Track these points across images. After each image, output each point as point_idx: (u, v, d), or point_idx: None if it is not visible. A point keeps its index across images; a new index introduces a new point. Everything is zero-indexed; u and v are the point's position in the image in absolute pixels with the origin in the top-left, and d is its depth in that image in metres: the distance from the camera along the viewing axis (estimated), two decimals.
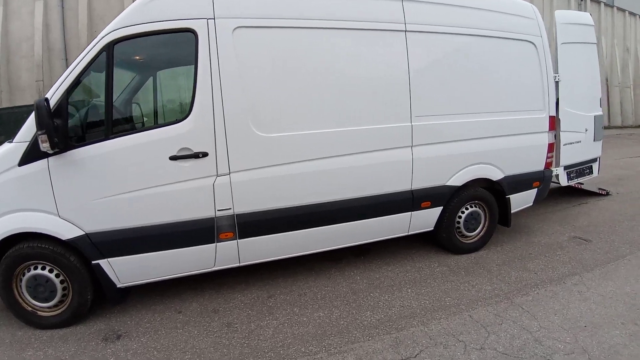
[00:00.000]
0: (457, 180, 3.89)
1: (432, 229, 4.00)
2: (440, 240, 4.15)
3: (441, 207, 3.90)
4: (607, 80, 14.17)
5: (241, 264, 3.41)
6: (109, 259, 3.02)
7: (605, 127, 13.72)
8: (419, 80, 3.60)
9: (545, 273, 3.74)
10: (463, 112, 3.82)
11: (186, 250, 3.15)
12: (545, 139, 4.34)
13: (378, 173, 3.55)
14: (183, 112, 3.07)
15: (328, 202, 3.45)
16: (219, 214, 3.17)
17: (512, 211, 4.32)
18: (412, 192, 3.72)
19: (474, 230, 4.18)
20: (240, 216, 3.22)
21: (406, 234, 3.88)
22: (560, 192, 6.22)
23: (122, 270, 3.09)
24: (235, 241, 3.26)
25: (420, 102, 3.63)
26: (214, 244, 3.21)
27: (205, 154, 3.04)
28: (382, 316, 3.17)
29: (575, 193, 6.14)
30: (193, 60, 3.00)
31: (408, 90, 3.56)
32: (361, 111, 3.45)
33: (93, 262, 2.99)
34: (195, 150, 3.03)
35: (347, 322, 3.12)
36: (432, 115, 3.68)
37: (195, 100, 3.01)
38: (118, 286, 3.14)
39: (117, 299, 3.29)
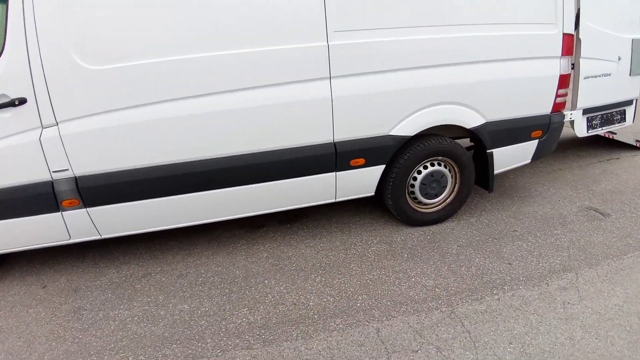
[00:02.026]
0: (407, 128, 2.53)
1: (373, 194, 2.75)
2: (388, 208, 2.91)
3: (383, 166, 2.61)
4: None
5: (104, 237, 2.48)
6: None
7: None
8: None
9: (524, 265, 2.43)
10: (417, 23, 2.35)
11: (30, 219, 2.29)
12: (556, 67, 2.75)
13: (278, 118, 2.29)
14: None
15: (206, 160, 2.30)
16: (55, 176, 2.21)
17: (495, 171, 2.93)
18: (334, 145, 2.44)
19: (436, 197, 2.86)
20: (82, 179, 2.22)
21: (334, 200, 2.69)
22: (586, 142, 4.52)
23: None
24: (84, 210, 2.30)
25: (342, 8, 2.22)
26: (58, 213, 2.29)
27: (22, 101, 2.04)
28: (259, 318, 2.12)
29: (605, 145, 4.42)
30: None
31: None
32: (242, 26, 2.13)
33: None
34: (12, 96, 2.03)
35: (209, 322, 2.11)
36: (362, 30, 2.27)
37: (8, 34, 1.99)
38: None
39: None
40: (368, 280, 2.35)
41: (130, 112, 2.15)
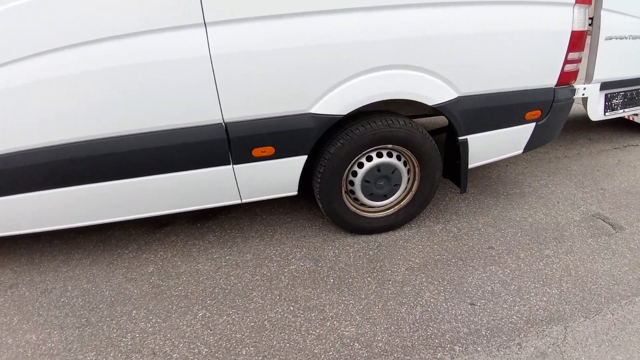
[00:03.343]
0: (336, 104, 1.68)
1: (296, 193, 1.96)
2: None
3: (304, 157, 1.79)
4: None
5: None
6: None
7: None
8: None
9: (492, 307, 1.65)
10: None
11: None
12: (567, 19, 1.80)
13: (131, 88, 1.48)
14: None
15: (43, 150, 1.54)
16: None
17: (473, 164, 2.09)
18: (224, 127, 1.63)
19: (386, 198, 2.05)
20: None
21: (239, 201, 1.91)
22: (601, 124, 3.56)
23: None
24: None
25: None
26: None
27: None
28: None
29: (623, 126, 3.45)
30: None
31: None
32: None
33: None
34: None
35: None
36: None
37: None
38: None
39: None
40: (266, 322, 1.62)
41: None
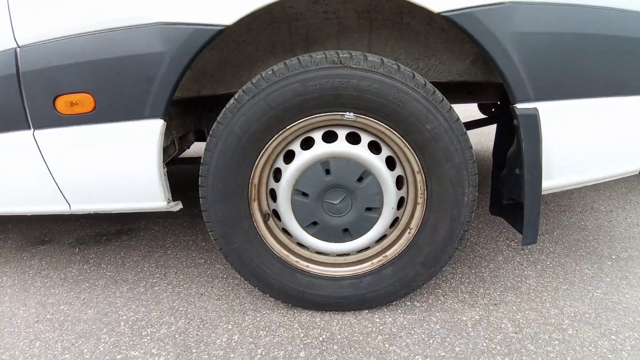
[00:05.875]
0: None
1: (166, 204, 0.97)
2: None
3: (157, 122, 0.81)
4: None
5: None
6: None
7: None
8: None
9: None
10: None
11: None
12: None
13: None
14: None
15: None
16: None
17: (551, 185, 0.87)
18: (15, 55, 0.80)
19: (350, 236, 0.93)
20: None
21: (68, 210, 0.98)
22: None
23: None
24: None
25: None
26: None
27: None
28: None
29: None
30: None
31: None
32: None
33: None
34: None
35: None
36: None
37: None
38: None
39: None
40: None
41: None
